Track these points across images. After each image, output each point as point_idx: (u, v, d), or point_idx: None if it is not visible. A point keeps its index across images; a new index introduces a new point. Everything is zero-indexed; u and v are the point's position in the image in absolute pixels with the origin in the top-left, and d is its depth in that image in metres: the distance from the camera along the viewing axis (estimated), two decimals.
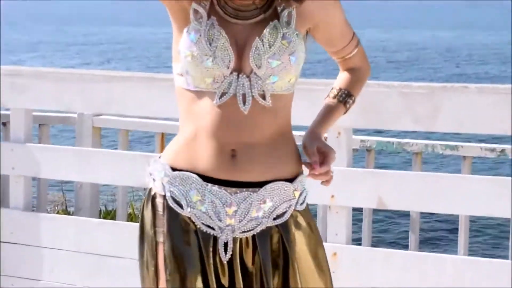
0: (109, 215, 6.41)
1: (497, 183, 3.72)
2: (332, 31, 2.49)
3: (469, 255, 4.42)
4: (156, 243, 2.38)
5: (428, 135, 5.67)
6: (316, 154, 2.37)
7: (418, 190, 3.80)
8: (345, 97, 2.55)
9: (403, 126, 3.84)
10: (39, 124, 5.32)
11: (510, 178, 3.80)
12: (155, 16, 67.18)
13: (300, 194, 2.42)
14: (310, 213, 2.48)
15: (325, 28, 2.46)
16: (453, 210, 3.94)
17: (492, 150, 4.55)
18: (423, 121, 3.75)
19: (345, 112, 2.59)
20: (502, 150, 4.53)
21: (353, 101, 2.58)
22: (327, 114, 2.54)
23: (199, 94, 2.33)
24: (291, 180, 2.40)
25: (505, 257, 4.58)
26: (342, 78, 2.59)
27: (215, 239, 2.34)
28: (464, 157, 4.52)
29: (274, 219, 2.37)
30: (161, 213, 2.38)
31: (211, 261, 2.32)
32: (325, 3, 2.42)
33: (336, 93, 2.56)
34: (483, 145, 4.61)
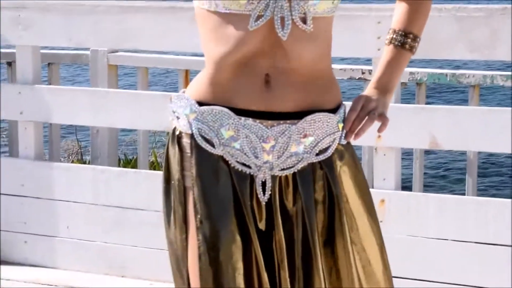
0: (129, 164, 6.45)
1: None
2: None
3: None
4: (185, 188, 2.38)
5: (487, 65, 5.63)
6: (352, 119, 2.41)
7: (476, 128, 3.80)
8: (402, 39, 2.50)
9: (458, 54, 3.84)
10: (48, 63, 5.33)
11: None
12: None
13: (343, 127, 2.41)
14: (353, 149, 2.47)
15: None
16: None
17: None
18: (480, 49, 3.74)
19: (413, 54, 2.53)
20: None
21: (415, 40, 2.51)
22: (385, 65, 2.50)
23: (229, 17, 2.30)
24: (333, 110, 2.39)
25: None
26: (397, 14, 2.52)
27: (252, 178, 2.34)
28: None
29: (317, 154, 2.35)
30: (188, 154, 2.37)
31: (248, 203, 2.32)
32: None
33: (390, 36, 2.50)
34: None
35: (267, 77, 2.29)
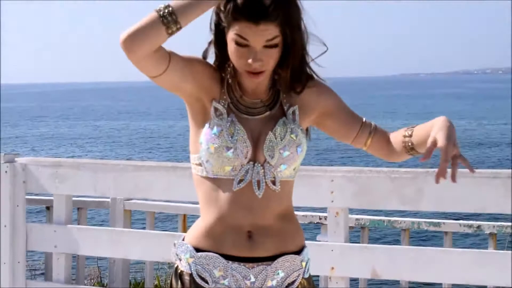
0: (138, 286, 6.37)
1: (475, 255, 3.71)
2: (339, 113, 2.45)
3: None
4: None
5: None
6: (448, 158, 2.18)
7: (407, 262, 3.78)
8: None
9: (392, 206, 3.84)
10: (78, 208, 5.34)
11: (487, 250, 3.79)
12: (171, 112, 67.73)
13: (306, 264, 2.43)
14: (313, 280, 2.47)
15: (331, 113, 2.45)
16: (438, 279, 3.91)
17: (470, 226, 4.54)
18: (409, 202, 3.76)
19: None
20: (479, 226, 4.53)
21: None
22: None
23: (218, 181, 2.33)
24: (298, 252, 2.40)
25: None
26: (398, 133, 2.44)
27: None
28: (446, 232, 4.52)
29: (286, 287, 2.38)
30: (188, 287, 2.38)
31: None
32: (319, 91, 2.43)
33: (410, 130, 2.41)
34: (461, 221, 4.60)
35: (249, 233, 2.32)
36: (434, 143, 2.18)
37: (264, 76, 2.30)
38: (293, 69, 2.35)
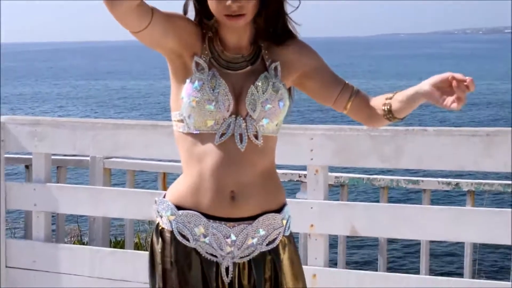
0: (118, 244, 6.38)
1: (453, 212, 3.73)
2: (320, 74, 2.45)
3: (430, 275, 4.41)
4: (165, 270, 2.37)
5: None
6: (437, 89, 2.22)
7: (385, 219, 3.81)
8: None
9: (371, 164, 3.85)
10: (57, 166, 5.31)
11: (464, 207, 3.81)
12: (153, 71, 67.41)
13: (287, 222, 2.43)
14: (293, 237, 2.48)
15: (312, 74, 2.44)
16: (416, 236, 3.94)
17: (448, 183, 4.56)
18: (388, 160, 3.77)
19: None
20: (457, 184, 4.55)
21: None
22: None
23: (200, 136, 2.32)
24: (278, 210, 2.40)
25: (461, 274, 4.58)
26: (379, 98, 2.44)
27: (217, 264, 2.35)
28: (424, 190, 4.53)
29: (267, 244, 2.38)
30: (168, 245, 2.37)
31: (214, 284, 2.33)
32: (302, 50, 2.44)
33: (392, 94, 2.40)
34: (440, 179, 4.62)
35: (232, 193, 2.32)
36: (446, 77, 2.19)
37: (244, 20, 2.29)
38: (268, 17, 2.35)
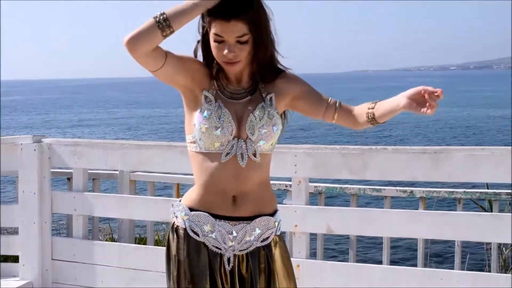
0: (142, 241, 6.35)
1: (408, 214, 3.74)
2: (307, 96, 2.43)
3: (390, 264, 4.41)
4: (179, 261, 2.38)
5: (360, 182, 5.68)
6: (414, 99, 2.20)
7: (355, 220, 3.81)
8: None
9: (343, 176, 3.85)
10: (93, 179, 5.29)
11: (417, 210, 3.81)
12: (168, 100, 67.26)
13: (278, 224, 2.44)
14: (282, 236, 2.49)
15: (301, 96, 2.42)
16: (379, 233, 3.94)
17: (404, 191, 4.56)
18: (357, 173, 3.77)
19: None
20: (411, 191, 4.55)
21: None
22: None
23: (209, 155, 2.33)
24: (272, 214, 2.42)
25: (416, 264, 4.57)
26: (361, 106, 2.42)
27: (221, 256, 2.35)
28: (385, 196, 4.54)
29: (262, 241, 2.39)
30: (182, 239, 2.38)
31: (218, 271, 2.34)
32: (290, 79, 2.42)
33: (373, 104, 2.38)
34: (398, 188, 4.63)
35: (234, 198, 2.33)
36: (419, 90, 2.18)
37: (239, 66, 2.30)
38: (261, 64, 2.35)
